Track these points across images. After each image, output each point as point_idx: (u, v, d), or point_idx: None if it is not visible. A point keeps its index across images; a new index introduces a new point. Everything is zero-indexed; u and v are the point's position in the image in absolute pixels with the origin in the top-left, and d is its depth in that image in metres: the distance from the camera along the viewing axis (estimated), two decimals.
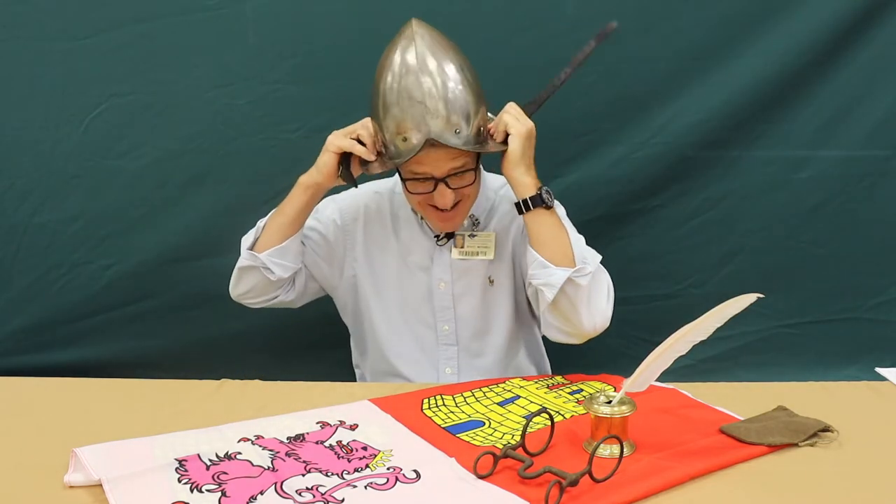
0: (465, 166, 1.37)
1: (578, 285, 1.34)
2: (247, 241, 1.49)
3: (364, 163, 1.39)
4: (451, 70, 1.32)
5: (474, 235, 1.50)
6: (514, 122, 1.36)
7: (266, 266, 1.45)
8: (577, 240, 1.40)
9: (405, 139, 1.31)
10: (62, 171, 1.79)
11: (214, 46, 1.74)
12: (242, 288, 1.50)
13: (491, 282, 1.50)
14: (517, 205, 1.39)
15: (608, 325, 1.40)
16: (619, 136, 1.75)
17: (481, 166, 1.44)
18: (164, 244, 1.82)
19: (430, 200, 1.39)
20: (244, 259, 1.47)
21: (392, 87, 1.31)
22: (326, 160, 1.40)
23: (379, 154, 1.37)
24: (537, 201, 1.37)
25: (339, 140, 1.39)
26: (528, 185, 1.37)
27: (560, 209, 1.50)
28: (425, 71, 1.30)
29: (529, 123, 1.37)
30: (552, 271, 1.35)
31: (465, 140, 1.32)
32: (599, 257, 1.41)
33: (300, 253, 1.51)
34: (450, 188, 1.36)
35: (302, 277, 1.54)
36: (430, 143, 1.30)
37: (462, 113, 1.32)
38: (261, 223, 1.49)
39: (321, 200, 1.50)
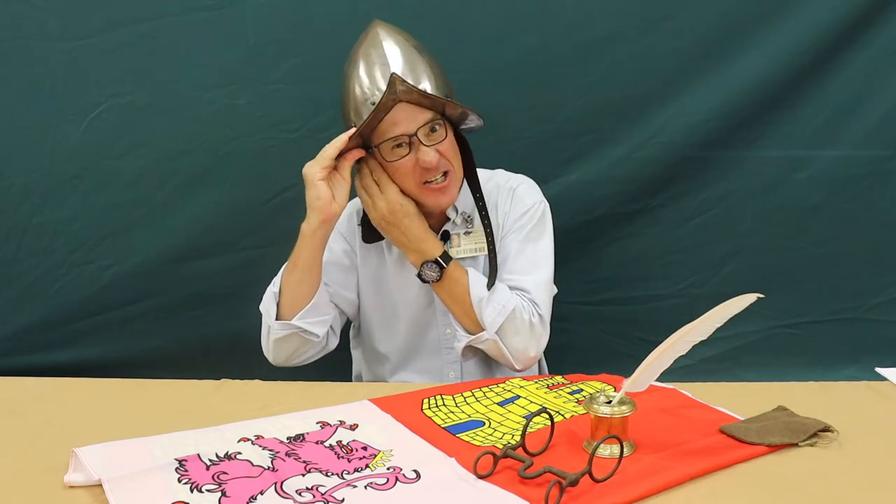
0: (434, 119, 1.36)
1: (481, 346, 1.43)
2: (269, 311, 1.42)
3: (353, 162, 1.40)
4: (410, 43, 1.38)
5: (469, 233, 1.50)
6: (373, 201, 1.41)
7: (305, 330, 1.40)
8: (485, 297, 1.40)
9: (373, 103, 1.33)
10: (62, 171, 1.79)
11: (214, 46, 1.74)
12: (284, 355, 1.44)
13: None
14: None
15: (539, 355, 1.47)
16: (619, 136, 1.75)
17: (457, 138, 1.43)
18: (164, 244, 1.82)
19: (419, 169, 1.37)
20: (278, 331, 1.40)
21: (355, 54, 1.38)
22: (318, 192, 1.35)
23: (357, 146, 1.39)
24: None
25: (316, 164, 1.36)
26: (413, 263, 1.45)
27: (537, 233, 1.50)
28: (387, 41, 1.36)
29: (379, 207, 1.41)
30: (458, 335, 1.47)
31: (430, 89, 1.35)
32: (511, 307, 1.39)
33: (328, 299, 1.46)
34: (426, 145, 1.36)
35: (337, 318, 1.51)
36: (397, 79, 1.30)
37: (423, 71, 1.35)
38: (274, 287, 1.42)
39: None
